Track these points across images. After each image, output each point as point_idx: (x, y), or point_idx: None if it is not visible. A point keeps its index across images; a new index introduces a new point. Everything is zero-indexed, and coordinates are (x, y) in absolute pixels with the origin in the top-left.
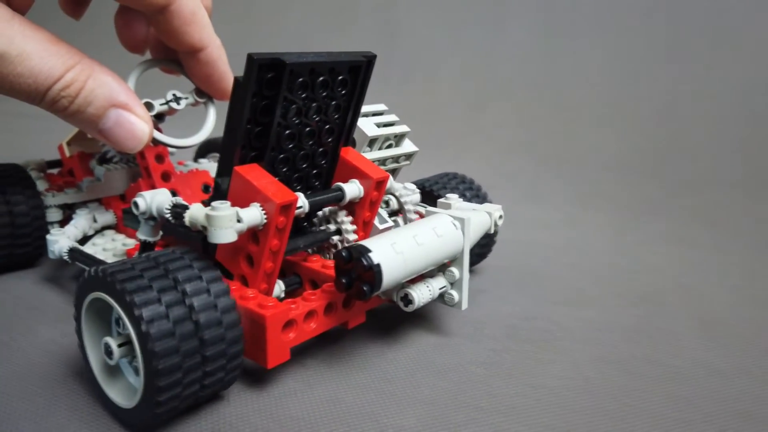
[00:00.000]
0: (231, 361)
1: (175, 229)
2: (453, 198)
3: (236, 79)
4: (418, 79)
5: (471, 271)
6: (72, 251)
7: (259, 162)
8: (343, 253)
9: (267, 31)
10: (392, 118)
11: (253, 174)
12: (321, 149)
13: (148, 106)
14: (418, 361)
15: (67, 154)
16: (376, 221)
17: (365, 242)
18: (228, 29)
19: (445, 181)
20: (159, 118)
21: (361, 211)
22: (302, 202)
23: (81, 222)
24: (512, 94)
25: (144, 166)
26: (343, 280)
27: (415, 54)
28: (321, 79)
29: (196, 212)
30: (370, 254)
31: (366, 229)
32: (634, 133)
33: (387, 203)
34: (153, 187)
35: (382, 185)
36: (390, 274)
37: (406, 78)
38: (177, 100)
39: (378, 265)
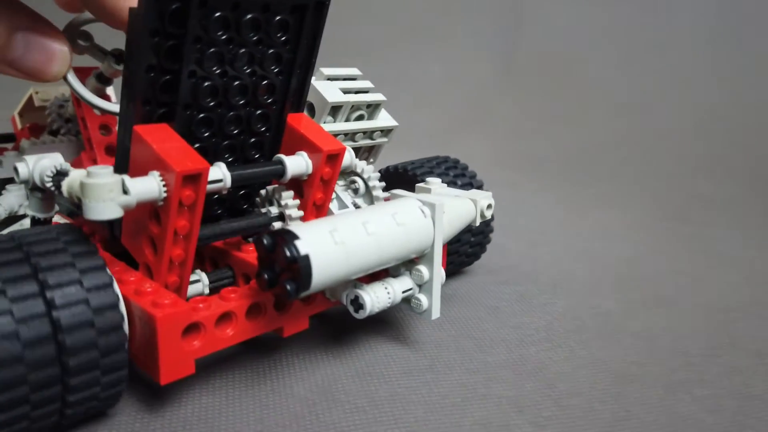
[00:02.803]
0: (108, 374)
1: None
2: (434, 182)
3: (131, 11)
4: (552, 77)
5: (459, 274)
6: None
7: (170, 122)
8: (265, 240)
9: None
10: (366, 84)
11: (156, 135)
12: (260, 112)
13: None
14: (377, 380)
15: (19, 126)
16: (333, 206)
17: (295, 227)
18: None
19: (431, 165)
20: (105, 81)
21: (311, 191)
22: (221, 173)
23: (9, 199)
24: (683, 96)
25: (86, 137)
26: (266, 276)
27: (547, 45)
28: (249, 17)
29: (73, 179)
30: (297, 242)
31: (319, 213)
32: None
33: (354, 186)
34: (95, 162)
35: (336, 160)
36: (324, 270)
37: (535, 75)
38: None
39: (306, 258)
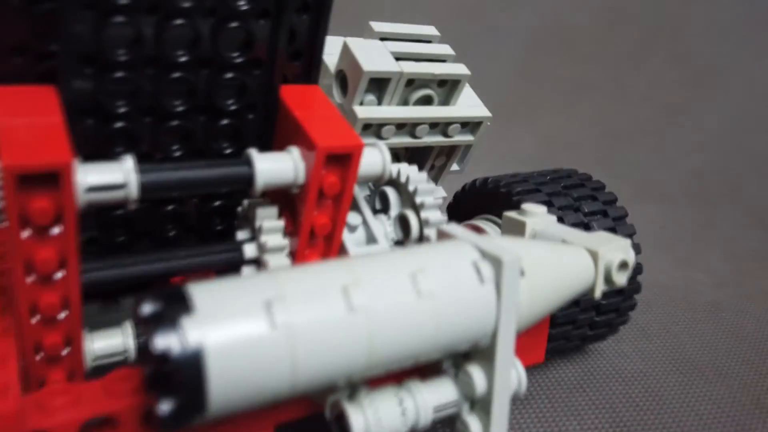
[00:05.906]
0: None
1: None
2: (535, 210)
3: None
4: None
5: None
6: None
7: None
8: (142, 308)
9: None
10: (441, 49)
11: (18, 106)
12: (229, 76)
13: None
14: None
15: None
16: (353, 238)
17: (198, 288)
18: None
19: (540, 181)
20: None
21: (306, 211)
22: (120, 175)
23: None
24: None
25: None
26: (147, 373)
27: None
28: None
29: None
30: (185, 322)
31: (327, 248)
32: None
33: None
34: None
35: (346, 164)
36: (237, 382)
37: None
38: None
39: (194, 356)
